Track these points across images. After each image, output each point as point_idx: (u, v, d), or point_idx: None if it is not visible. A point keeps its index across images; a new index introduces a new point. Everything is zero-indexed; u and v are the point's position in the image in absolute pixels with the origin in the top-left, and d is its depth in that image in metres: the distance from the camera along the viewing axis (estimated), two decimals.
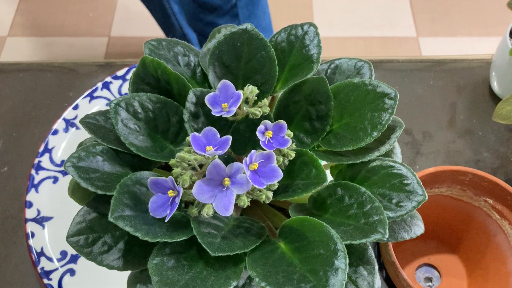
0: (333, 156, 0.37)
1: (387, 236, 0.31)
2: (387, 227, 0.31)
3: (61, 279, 0.50)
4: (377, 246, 0.46)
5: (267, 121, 0.35)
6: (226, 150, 0.33)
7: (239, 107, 0.36)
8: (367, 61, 0.41)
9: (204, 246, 0.31)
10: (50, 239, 0.52)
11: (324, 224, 0.32)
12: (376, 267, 0.34)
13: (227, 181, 0.31)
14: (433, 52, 1.56)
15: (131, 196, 0.33)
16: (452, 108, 0.64)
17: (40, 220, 0.53)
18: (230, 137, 0.33)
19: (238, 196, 0.32)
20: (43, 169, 0.56)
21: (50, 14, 1.76)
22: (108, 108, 0.36)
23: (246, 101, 0.37)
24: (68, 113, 0.60)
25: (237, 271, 0.32)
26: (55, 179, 0.56)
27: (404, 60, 0.68)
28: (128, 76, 0.62)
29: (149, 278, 0.33)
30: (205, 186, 0.31)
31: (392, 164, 0.36)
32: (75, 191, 0.37)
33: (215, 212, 0.31)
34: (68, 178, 0.56)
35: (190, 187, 0.32)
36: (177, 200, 0.31)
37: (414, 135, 0.62)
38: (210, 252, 0.30)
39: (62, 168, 0.57)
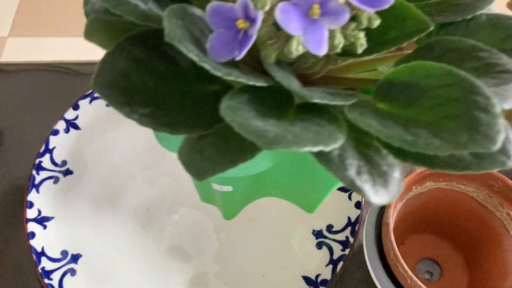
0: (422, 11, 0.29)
1: None
2: None
3: (61, 279, 0.50)
4: (379, 236, 0.46)
5: None
6: None
7: None
8: None
9: (297, 92, 0.23)
10: (51, 239, 0.52)
11: (446, 66, 0.24)
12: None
13: (316, 10, 0.23)
14: None
15: (185, 30, 0.24)
16: None
17: (41, 220, 0.53)
18: None
19: (331, 33, 0.24)
20: (44, 169, 0.56)
21: (50, 14, 1.77)
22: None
23: None
24: (69, 114, 0.60)
25: (340, 128, 0.24)
26: (56, 180, 0.56)
27: None
28: None
29: (212, 146, 0.25)
30: (291, 11, 0.22)
31: (500, 17, 0.28)
32: (95, 32, 0.27)
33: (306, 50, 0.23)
34: (69, 178, 0.56)
35: (269, 15, 0.23)
36: (252, 32, 0.22)
37: None
38: (307, 98, 0.23)
39: (63, 168, 0.57)
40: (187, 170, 0.26)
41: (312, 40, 0.23)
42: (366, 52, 0.26)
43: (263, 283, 0.50)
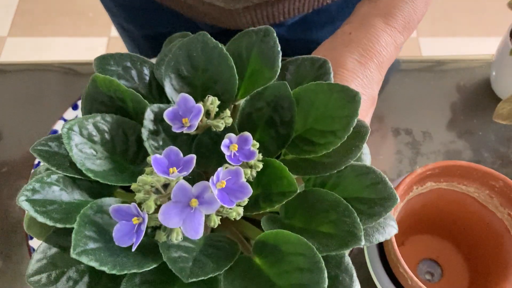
0: (300, 165, 0.36)
1: (363, 243, 0.31)
2: (363, 233, 0.31)
3: None
4: None
5: (231, 134, 0.34)
6: (191, 170, 0.31)
7: (200, 120, 0.34)
8: (323, 58, 0.40)
9: (176, 273, 0.29)
10: None
11: (299, 237, 0.31)
12: (355, 274, 0.33)
13: (194, 202, 0.29)
14: (433, 52, 1.57)
15: (94, 226, 0.31)
16: (452, 108, 0.64)
17: None
18: (193, 156, 0.32)
19: (207, 216, 0.30)
20: None
21: (50, 14, 1.76)
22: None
23: (207, 113, 0.35)
24: (68, 114, 0.60)
25: None
26: None
27: (404, 60, 0.68)
28: None
29: None
30: (172, 209, 0.29)
31: (363, 169, 0.35)
32: (32, 226, 0.35)
33: (184, 235, 0.30)
34: None
35: (156, 211, 0.30)
36: (143, 227, 0.30)
37: (414, 135, 0.62)
38: (183, 279, 0.29)
39: None
40: None
41: (190, 228, 0.29)
42: (255, 208, 0.34)
43: None
